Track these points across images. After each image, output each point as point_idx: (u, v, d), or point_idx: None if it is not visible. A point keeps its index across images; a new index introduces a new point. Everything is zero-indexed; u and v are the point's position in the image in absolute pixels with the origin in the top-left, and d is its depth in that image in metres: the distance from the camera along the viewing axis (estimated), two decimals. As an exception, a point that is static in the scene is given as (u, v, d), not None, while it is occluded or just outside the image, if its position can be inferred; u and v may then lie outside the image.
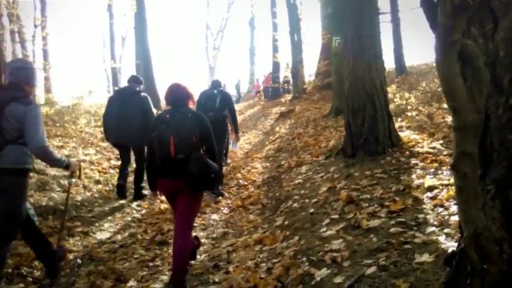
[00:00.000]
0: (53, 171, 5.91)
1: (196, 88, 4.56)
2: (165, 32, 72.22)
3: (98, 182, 6.03)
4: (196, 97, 3.77)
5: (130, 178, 5.76)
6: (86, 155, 7.05)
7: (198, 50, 56.51)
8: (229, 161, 7.85)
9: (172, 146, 2.93)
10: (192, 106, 3.28)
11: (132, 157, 5.62)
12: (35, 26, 8.38)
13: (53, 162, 2.97)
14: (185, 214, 3.04)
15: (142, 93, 5.43)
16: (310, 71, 17.88)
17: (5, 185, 2.72)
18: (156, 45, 45.29)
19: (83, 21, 66.24)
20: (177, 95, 3.15)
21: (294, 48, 16.59)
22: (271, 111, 15.28)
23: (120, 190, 5.50)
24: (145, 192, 5.56)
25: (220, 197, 5.51)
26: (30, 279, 3.24)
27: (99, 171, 6.34)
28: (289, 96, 17.46)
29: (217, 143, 3.41)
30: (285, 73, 19.83)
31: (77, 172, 3.28)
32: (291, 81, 18.40)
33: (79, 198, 5.33)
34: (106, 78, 26.33)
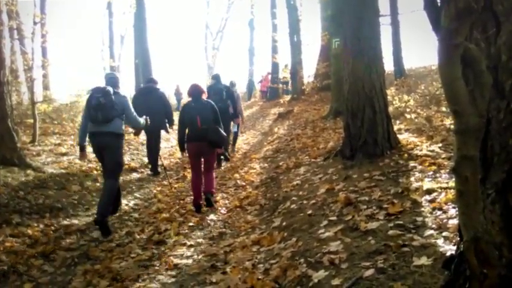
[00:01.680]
0: (50, 169, 5.89)
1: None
2: (165, 31, 71.89)
3: (95, 180, 6.02)
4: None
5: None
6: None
7: (197, 49, 56.30)
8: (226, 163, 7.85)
9: (199, 121, 4.81)
10: (204, 97, 5.09)
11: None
12: (35, 23, 8.33)
13: (141, 126, 4.98)
14: (209, 164, 5.07)
15: (160, 90, 7.09)
16: (309, 72, 17.92)
17: (114, 143, 4.42)
18: (155, 44, 45.35)
19: (83, 21, 65.75)
20: (196, 91, 5.04)
21: (294, 49, 16.60)
22: (270, 112, 15.28)
23: (154, 170, 7.01)
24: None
25: (227, 162, 7.68)
26: (26, 277, 3.23)
27: (96, 170, 6.31)
28: (287, 97, 17.46)
29: (224, 125, 5.36)
30: (283, 74, 19.81)
31: (148, 122, 5.03)
32: (290, 82, 18.39)
33: (76, 196, 5.32)
34: (104, 77, 26.14)
